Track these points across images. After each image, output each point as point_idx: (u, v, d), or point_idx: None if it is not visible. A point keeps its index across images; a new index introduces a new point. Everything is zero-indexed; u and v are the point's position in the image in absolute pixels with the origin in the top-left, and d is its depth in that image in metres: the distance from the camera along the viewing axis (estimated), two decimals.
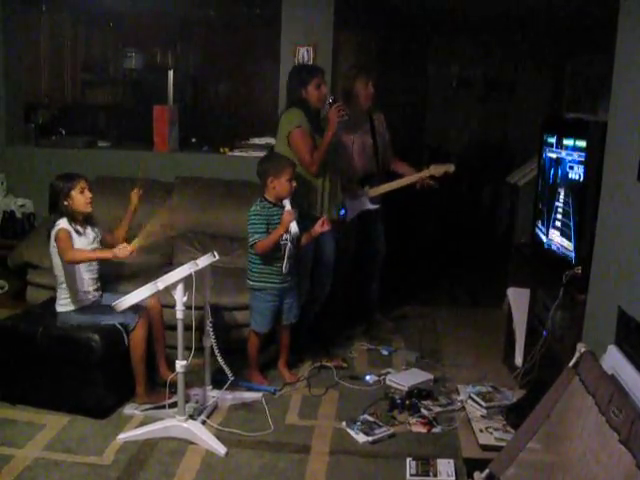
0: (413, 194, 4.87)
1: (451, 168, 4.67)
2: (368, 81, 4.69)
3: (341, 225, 4.57)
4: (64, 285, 3.72)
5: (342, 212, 4.65)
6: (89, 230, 3.78)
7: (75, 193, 3.67)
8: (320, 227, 3.94)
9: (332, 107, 4.07)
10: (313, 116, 4.20)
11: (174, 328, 3.38)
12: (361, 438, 3.45)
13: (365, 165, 4.80)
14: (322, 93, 4.18)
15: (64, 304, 3.73)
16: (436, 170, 4.68)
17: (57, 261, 3.68)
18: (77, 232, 3.68)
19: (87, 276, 3.76)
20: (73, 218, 3.68)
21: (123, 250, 3.55)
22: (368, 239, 4.98)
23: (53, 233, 3.64)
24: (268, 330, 3.99)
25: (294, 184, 3.81)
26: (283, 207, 3.82)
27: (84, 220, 3.76)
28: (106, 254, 3.64)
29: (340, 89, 4.99)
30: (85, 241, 3.72)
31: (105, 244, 3.85)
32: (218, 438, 3.36)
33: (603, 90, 4.00)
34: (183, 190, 5.10)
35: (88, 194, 3.71)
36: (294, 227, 3.77)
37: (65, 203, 3.66)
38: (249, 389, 3.94)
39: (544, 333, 3.65)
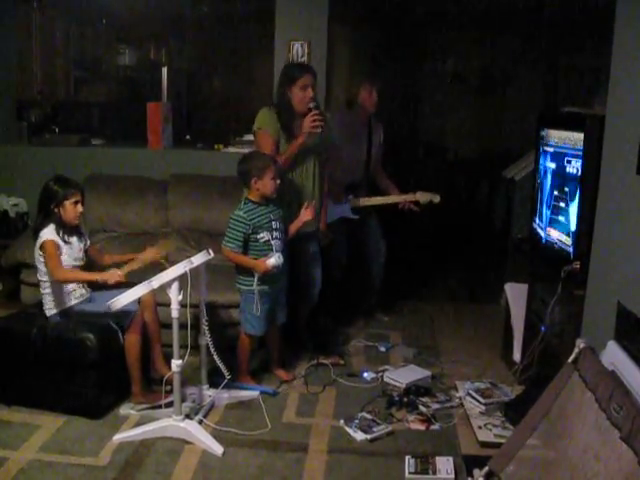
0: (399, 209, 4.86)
1: (436, 198, 4.74)
2: (372, 88, 4.70)
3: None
4: (49, 290, 3.67)
5: None
6: (75, 239, 3.72)
7: (68, 203, 3.61)
8: (304, 215, 3.90)
9: (308, 115, 3.88)
10: (294, 119, 3.98)
11: (169, 327, 3.35)
12: (359, 436, 3.42)
13: (354, 173, 4.80)
14: (307, 96, 3.92)
15: (51, 307, 3.69)
16: (421, 197, 4.75)
17: (42, 267, 3.64)
18: (64, 241, 3.63)
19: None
20: (60, 226, 3.63)
21: (113, 275, 3.52)
22: (361, 243, 4.99)
23: (38, 243, 3.60)
24: (263, 333, 3.94)
25: (278, 182, 3.73)
26: (269, 205, 3.77)
27: (71, 229, 3.70)
28: (96, 276, 3.61)
29: (343, 96, 4.97)
30: (70, 251, 3.66)
31: (91, 258, 3.83)
32: (215, 437, 3.33)
33: (598, 83, 3.99)
34: (178, 187, 5.08)
35: (80, 208, 3.66)
36: (274, 261, 3.67)
37: (55, 210, 3.61)
38: (247, 390, 3.90)
39: (542, 329, 3.63)
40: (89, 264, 3.82)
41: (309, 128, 3.87)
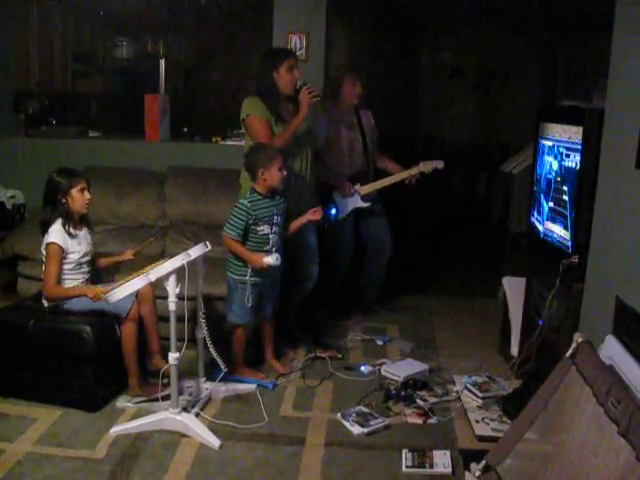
0: (406, 185, 4.84)
1: (440, 164, 4.71)
2: (356, 81, 4.67)
3: (333, 224, 4.53)
4: None
5: (333, 212, 4.59)
6: (83, 232, 3.72)
7: (75, 192, 3.61)
8: (311, 215, 3.91)
9: (303, 90, 3.94)
10: (280, 103, 4.04)
11: (166, 320, 3.34)
12: (356, 429, 3.42)
13: (354, 162, 4.78)
14: (294, 77, 4.00)
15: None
16: (425, 167, 4.71)
17: None
18: (70, 235, 3.62)
19: (78, 277, 3.70)
20: (68, 217, 3.62)
21: (95, 292, 3.50)
22: (366, 236, 4.97)
23: (45, 241, 3.59)
24: (249, 322, 3.92)
25: (285, 173, 3.75)
26: (274, 199, 3.78)
27: (80, 220, 3.70)
28: (77, 291, 3.60)
29: (328, 85, 4.97)
30: (78, 247, 3.65)
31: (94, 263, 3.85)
32: (212, 430, 3.33)
33: (597, 77, 3.98)
34: (175, 180, 5.06)
35: (87, 195, 3.65)
36: (271, 261, 3.68)
37: (63, 201, 3.60)
38: (244, 382, 3.90)
39: (540, 323, 3.62)
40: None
41: (308, 100, 3.92)
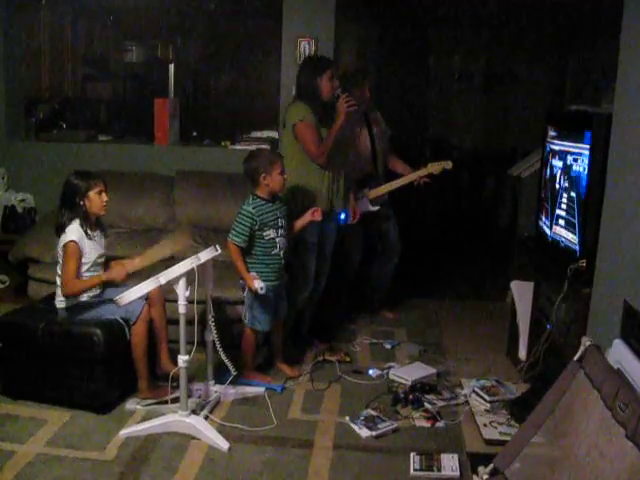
0: (415, 186, 4.85)
1: (449, 165, 4.72)
2: (364, 86, 4.71)
3: (345, 229, 4.54)
4: None
5: (342, 217, 4.55)
6: (98, 232, 3.74)
7: (92, 194, 3.62)
8: (310, 215, 3.93)
9: (340, 99, 4.02)
10: (322, 108, 4.13)
11: (176, 322, 3.36)
12: (364, 433, 3.43)
13: (363, 167, 4.78)
14: (334, 86, 4.11)
15: (62, 300, 3.70)
16: (434, 168, 4.72)
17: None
18: (88, 236, 3.64)
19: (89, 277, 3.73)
20: (85, 219, 3.64)
21: (120, 273, 3.57)
22: (377, 239, 4.97)
23: (63, 240, 3.60)
24: (270, 328, 3.96)
25: (286, 176, 3.78)
26: (275, 202, 3.80)
27: (95, 222, 3.73)
28: (102, 277, 3.65)
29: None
30: (94, 247, 3.68)
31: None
32: (221, 433, 3.34)
33: (606, 81, 3.98)
34: (184, 184, 5.09)
35: (104, 197, 3.67)
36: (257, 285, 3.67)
37: (81, 203, 3.62)
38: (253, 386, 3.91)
39: (548, 327, 3.63)
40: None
41: (346, 109, 4.00)
